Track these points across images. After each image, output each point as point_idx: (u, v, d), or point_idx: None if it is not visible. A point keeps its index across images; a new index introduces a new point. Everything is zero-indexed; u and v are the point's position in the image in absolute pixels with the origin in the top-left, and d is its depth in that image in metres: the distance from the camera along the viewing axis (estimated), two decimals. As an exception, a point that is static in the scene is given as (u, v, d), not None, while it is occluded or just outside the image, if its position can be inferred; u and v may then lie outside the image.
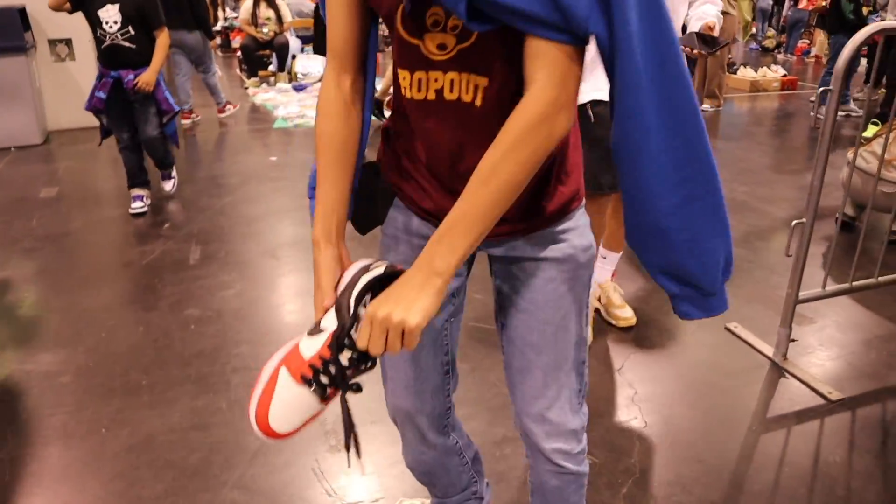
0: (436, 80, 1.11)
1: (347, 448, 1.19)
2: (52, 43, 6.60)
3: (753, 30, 16.50)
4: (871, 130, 3.88)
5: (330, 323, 1.08)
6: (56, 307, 3.24)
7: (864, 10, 7.37)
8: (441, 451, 1.55)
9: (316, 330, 1.09)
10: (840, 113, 2.99)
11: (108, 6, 4.07)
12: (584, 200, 1.30)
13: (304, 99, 8.25)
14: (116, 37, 4.10)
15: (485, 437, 2.24)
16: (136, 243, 3.97)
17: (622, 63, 0.99)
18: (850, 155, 3.88)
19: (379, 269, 1.09)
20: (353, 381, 1.11)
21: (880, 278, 2.85)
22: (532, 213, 1.22)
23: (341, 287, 1.10)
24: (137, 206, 4.42)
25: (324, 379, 1.08)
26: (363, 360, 1.08)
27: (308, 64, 9.51)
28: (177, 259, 3.73)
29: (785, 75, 9.40)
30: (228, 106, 7.64)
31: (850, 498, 2.03)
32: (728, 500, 2.01)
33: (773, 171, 5.41)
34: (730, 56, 10.12)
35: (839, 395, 2.49)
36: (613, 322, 2.98)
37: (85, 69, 6.63)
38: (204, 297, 3.28)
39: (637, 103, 1.02)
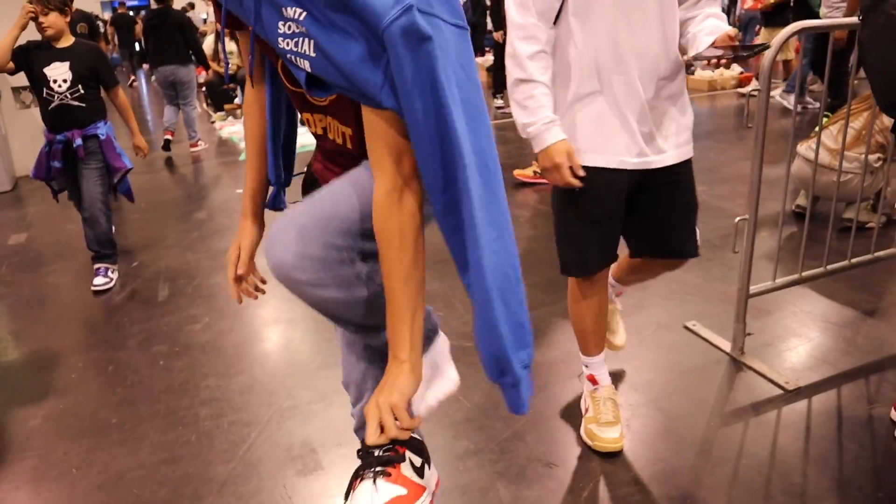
0: (319, 121, 1.34)
1: None
2: (16, 90, 6.62)
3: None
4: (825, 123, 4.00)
5: None
6: (26, 351, 3.25)
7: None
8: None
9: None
10: (798, 106, 3.09)
11: (56, 64, 3.76)
12: None
13: (271, 129, 8.28)
14: (66, 97, 3.78)
15: (448, 451, 2.28)
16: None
17: (412, 135, 1.13)
18: (800, 147, 3.99)
19: None
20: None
21: (828, 266, 2.93)
22: None
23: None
24: (100, 281, 3.88)
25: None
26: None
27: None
28: (145, 297, 3.76)
29: (742, 73, 9.56)
30: (200, 142, 7.72)
31: (806, 485, 2.08)
32: (686, 497, 2.05)
33: (731, 170, 5.51)
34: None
35: (796, 384, 2.55)
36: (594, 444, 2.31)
37: (49, 114, 6.65)
38: (171, 333, 3.30)
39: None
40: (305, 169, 1.64)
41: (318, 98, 1.30)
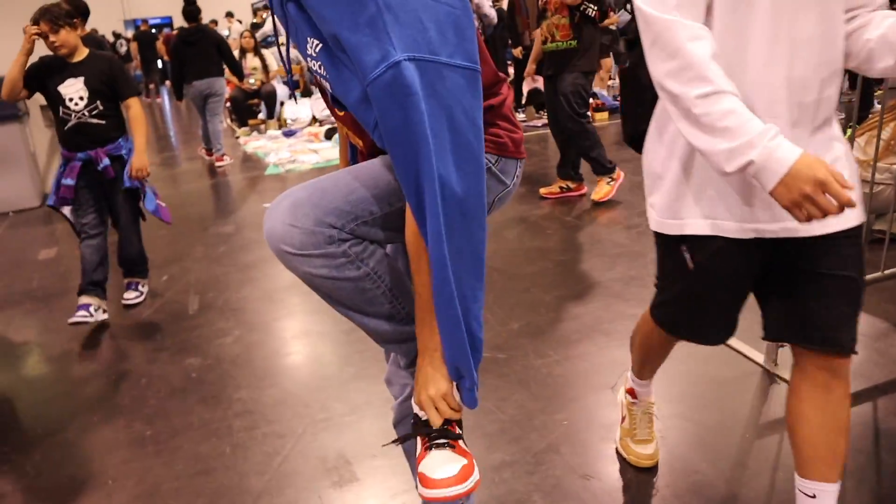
0: (340, 128, 1.49)
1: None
2: (45, 108, 6.72)
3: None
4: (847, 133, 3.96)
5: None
6: (57, 365, 3.29)
7: None
8: None
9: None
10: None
11: (71, 81, 3.52)
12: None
13: (295, 144, 8.37)
14: (83, 114, 3.54)
15: (482, 462, 2.28)
16: (135, 297, 4.03)
17: (396, 173, 1.21)
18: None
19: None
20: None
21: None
22: None
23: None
24: (80, 315, 3.54)
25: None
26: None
27: (296, 110, 9.66)
28: (175, 310, 3.79)
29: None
30: (226, 157, 7.81)
31: (845, 498, 2.05)
32: (724, 508, 2.04)
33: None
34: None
35: (831, 397, 2.53)
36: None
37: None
38: (203, 346, 3.33)
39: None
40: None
41: (337, 110, 1.42)
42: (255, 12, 17.50)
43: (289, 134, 8.97)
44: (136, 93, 3.76)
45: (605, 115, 8.51)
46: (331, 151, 7.70)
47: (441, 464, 1.32)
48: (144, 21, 19.21)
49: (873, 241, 3.52)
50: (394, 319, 1.43)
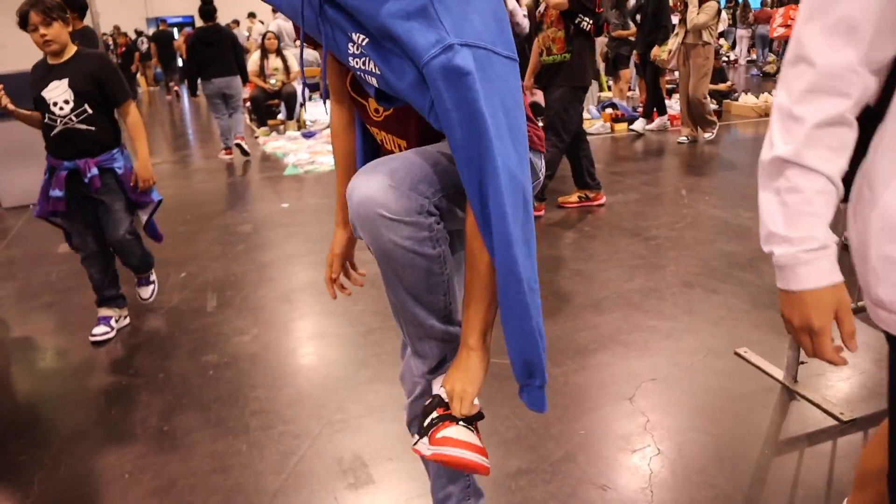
0: (377, 134, 1.49)
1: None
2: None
3: (753, 55, 16.69)
4: None
5: None
6: (76, 357, 3.31)
7: None
8: None
9: None
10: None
11: (55, 83, 3.18)
12: None
13: (314, 146, 8.40)
14: (70, 120, 3.20)
15: (499, 469, 2.27)
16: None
17: (455, 158, 1.21)
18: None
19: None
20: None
21: (885, 298, 2.87)
22: None
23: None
24: (100, 331, 3.46)
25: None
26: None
27: (316, 111, 9.69)
28: (193, 307, 3.81)
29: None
30: (228, 152, 8.08)
31: (865, 517, 2.04)
32: (742, 523, 2.02)
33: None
34: (731, 84, 10.24)
35: (851, 416, 2.51)
36: None
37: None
38: (220, 344, 3.34)
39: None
40: None
41: (375, 115, 1.44)
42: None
43: (308, 135, 8.99)
44: (129, 96, 3.39)
45: (624, 125, 8.48)
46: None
47: (464, 434, 1.38)
48: (163, 21, 19.41)
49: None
50: (442, 315, 1.44)
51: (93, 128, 3.25)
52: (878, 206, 1.07)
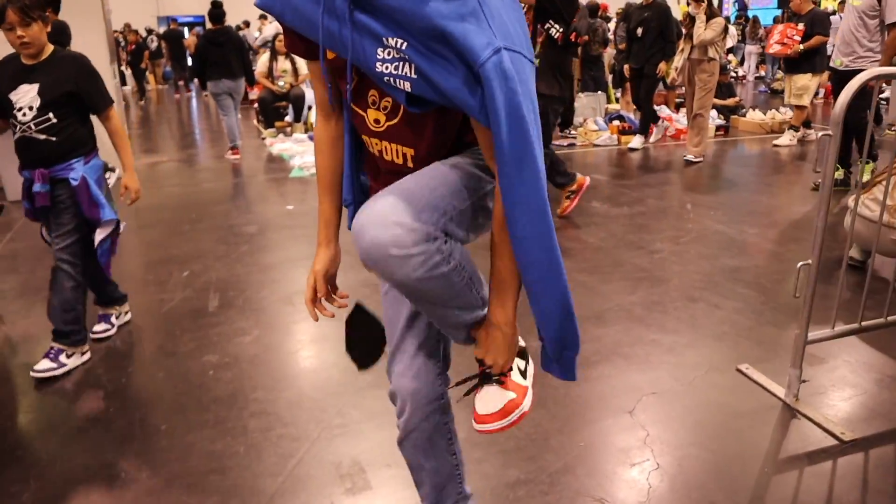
0: (375, 144, 1.49)
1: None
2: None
3: (762, 72, 16.69)
4: (867, 170, 3.92)
5: None
6: (78, 354, 3.30)
7: None
8: (429, 430, 1.71)
9: None
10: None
11: (24, 87, 2.91)
12: None
13: (320, 148, 8.40)
14: (28, 128, 2.92)
15: (498, 479, 2.27)
16: (156, 291, 4.05)
17: (497, 155, 1.26)
18: (850, 202, 3.89)
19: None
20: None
21: (889, 318, 2.87)
22: None
23: None
24: (101, 329, 3.37)
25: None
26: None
27: (323, 114, 9.69)
28: (195, 307, 3.81)
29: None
30: (240, 151, 8.24)
31: (864, 538, 2.03)
32: (740, 541, 2.01)
33: (782, 214, 5.45)
34: (739, 99, 10.24)
35: (852, 436, 2.50)
36: None
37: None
38: (221, 344, 3.34)
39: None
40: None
41: (375, 125, 1.45)
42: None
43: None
44: (109, 102, 3.11)
45: (632, 138, 8.48)
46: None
47: (487, 400, 1.48)
48: (174, 20, 19.52)
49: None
50: (472, 307, 1.47)
51: (53, 138, 2.97)
52: None
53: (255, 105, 10.32)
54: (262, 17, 18.03)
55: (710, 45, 7.17)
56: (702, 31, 7.11)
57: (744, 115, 9.58)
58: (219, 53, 7.92)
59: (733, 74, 14.41)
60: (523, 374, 1.59)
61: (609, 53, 11.46)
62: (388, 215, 1.27)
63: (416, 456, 1.75)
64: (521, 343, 1.62)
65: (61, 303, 3.08)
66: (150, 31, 19.35)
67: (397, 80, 1.28)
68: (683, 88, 8.25)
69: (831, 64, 6.14)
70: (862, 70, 5.32)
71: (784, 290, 3.82)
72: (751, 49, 17.09)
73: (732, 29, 16.04)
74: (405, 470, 1.79)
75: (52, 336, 3.09)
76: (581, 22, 8.76)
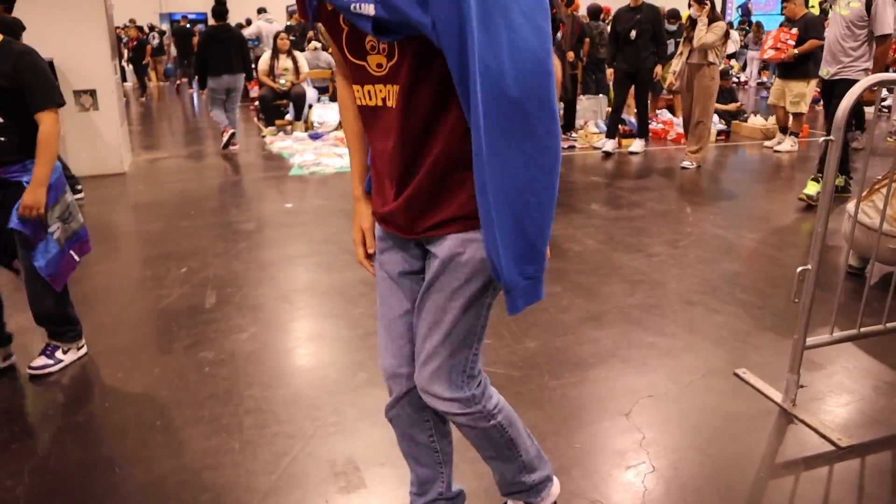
0: (379, 91, 1.46)
1: None
2: (78, 94, 6.81)
3: (763, 77, 16.69)
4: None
5: None
6: (73, 349, 3.29)
7: None
8: (413, 418, 1.82)
9: None
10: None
11: None
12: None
13: (320, 147, 8.39)
14: None
15: (492, 480, 2.25)
16: (153, 287, 4.04)
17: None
18: (850, 208, 3.88)
19: None
20: None
21: (888, 324, 2.87)
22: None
23: None
24: (39, 364, 3.04)
25: None
26: None
27: (324, 113, 9.69)
28: (192, 303, 3.80)
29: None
30: (233, 143, 8.49)
31: (860, 545, 2.02)
32: (735, 546, 2.01)
33: (782, 219, 5.45)
34: (740, 104, 10.23)
35: (849, 442, 2.49)
36: None
37: (108, 119, 7.05)
38: (218, 340, 3.33)
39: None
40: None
41: (378, 69, 1.43)
42: (290, 15, 17.60)
43: (315, 137, 8.99)
44: (50, 103, 2.78)
45: (633, 141, 8.47)
46: (343, 160, 7.72)
47: None
48: (184, 17, 19.52)
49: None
50: (512, 467, 1.75)
51: (3, 138, 2.74)
52: None
53: (256, 103, 10.31)
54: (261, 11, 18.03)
55: (711, 50, 7.12)
56: (703, 34, 7.04)
57: (745, 121, 9.58)
58: (221, 50, 8.13)
59: (735, 80, 14.41)
60: None
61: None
62: (438, 390, 1.63)
63: (400, 436, 1.87)
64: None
65: (49, 308, 3.01)
66: (151, 28, 19.34)
67: (362, 6, 1.30)
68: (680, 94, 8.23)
69: (819, 72, 6.13)
70: (847, 80, 5.35)
71: (783, 294, 3.82)
72: (753, 54, 17.08)
73: (735, 34, 16.01)
74: (399, 468, 1.80)
75: (48, 334, 3.09)
76: (570, 34, 8.79)
